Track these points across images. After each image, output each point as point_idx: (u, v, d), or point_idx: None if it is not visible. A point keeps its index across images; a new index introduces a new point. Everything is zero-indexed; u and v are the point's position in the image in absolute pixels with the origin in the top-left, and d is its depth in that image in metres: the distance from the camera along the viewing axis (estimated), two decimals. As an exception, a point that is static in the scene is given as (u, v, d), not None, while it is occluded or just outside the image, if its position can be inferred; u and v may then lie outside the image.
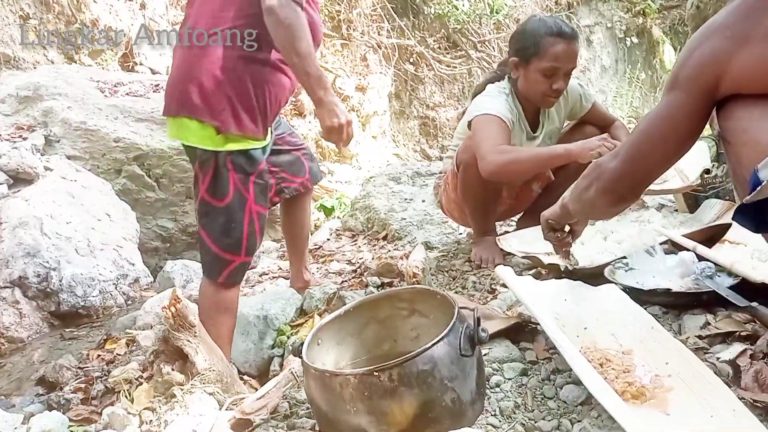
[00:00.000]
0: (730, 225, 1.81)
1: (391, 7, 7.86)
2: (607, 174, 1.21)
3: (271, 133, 1.93)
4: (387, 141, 8.53)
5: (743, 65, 1.01)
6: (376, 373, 0.90)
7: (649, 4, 13.50)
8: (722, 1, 2.65)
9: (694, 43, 1.11)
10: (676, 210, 2.35)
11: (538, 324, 1.31)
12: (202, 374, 1.38)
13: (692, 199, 2.27)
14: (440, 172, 2.61)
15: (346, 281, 2.56)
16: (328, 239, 3.40)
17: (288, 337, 2.09)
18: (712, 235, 1.84)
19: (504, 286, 2.00)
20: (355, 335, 1.16)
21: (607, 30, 11.28)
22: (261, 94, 1.78)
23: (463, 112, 2.45)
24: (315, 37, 1.75)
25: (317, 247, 3.25)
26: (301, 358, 1.01)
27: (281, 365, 2.05)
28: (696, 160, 2.24)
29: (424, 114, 9.05)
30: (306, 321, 2.13)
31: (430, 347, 0.92)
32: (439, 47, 8.84)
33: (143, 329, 2.50)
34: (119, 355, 2.43)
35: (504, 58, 2.36)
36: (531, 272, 2.00)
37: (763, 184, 0.91)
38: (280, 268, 2.98)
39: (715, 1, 2.63)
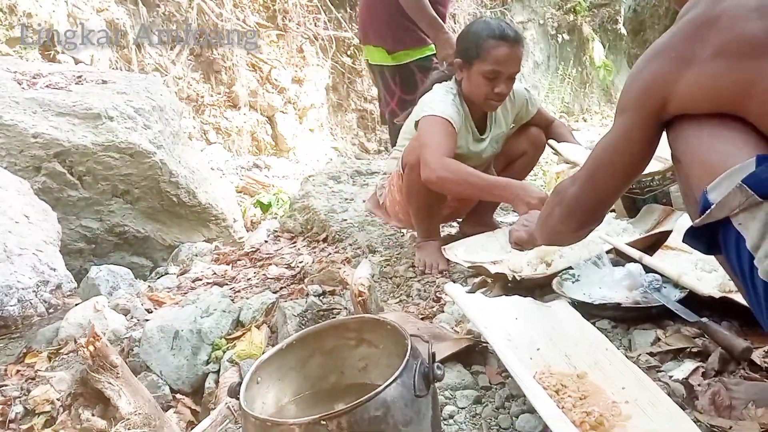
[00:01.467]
0: (671, 231, 1.82)
1: (328, -1, 7.71)
2: (567, 200, 1.22)
3: None
4: (325, 134, 8.40)
5: (689, 86, 1.00)
6: (324, 422, 0.81)
7: (579, 2, 13.85)
8: (657, 6, 2.69)
9: (640, 66, 1.10)
10: (616, 215, 2.35)
11: (489, 344, 1.26)
12: (127, 419, 1.25)
13: (630, 203, 2.28)
14: (384, 173, 2.53)
15: (285, 287, 2.45)
16: (266, 241, 3.27)
17: (223, 352, 1.98)
18: (654, 242, 1.85)
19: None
20: (298, 369, 1.07)
21: (539, 26, 11.49)
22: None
23: (409, 113, 2.38)
24: None
25: (254, 249, 3.12)
26: (238, 400, 0.91)
27: (216, 382, 1.94)
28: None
29: (362, 107, 8.96)
30: (243, 334, 2.01)
31: (382, 390, 0.84)
32: (377, 39, 8.74)
33: (66, 342, 2.33)
34: (40, 371, 2.26)
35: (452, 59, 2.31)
36: (477, 279, 1.96)
37: (712, 207, 0.90)
38: (215, 273, 2.84)
39: (651, 5, 2.65)
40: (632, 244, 1.75)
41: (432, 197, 2.18)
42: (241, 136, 7.05)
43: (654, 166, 2.17)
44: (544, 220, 1.34)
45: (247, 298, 2.27)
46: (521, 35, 2.17)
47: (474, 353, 1.36)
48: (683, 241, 1.00)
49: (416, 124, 2.15)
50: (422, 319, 1.81)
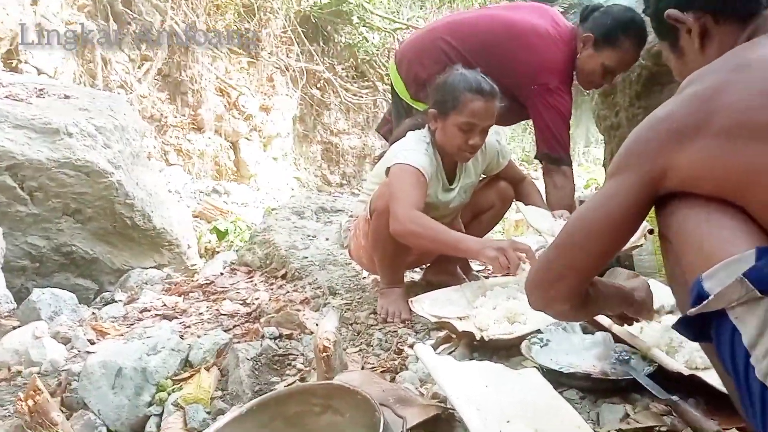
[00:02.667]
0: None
1: (302, 31, 7.74)
2: (544, 267, 1.11)
3: None
4: (288, 164, 8.34)
5: (690, 161, 0.96)
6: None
7: (546, 54, 14.22)
8: (630, 72, 2.74)
9: (639, 131, 1.05)
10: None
11: (457, 413, 1.20)
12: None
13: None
14: (350, 215, 2.48)
15: (238, 326, 2.35)
16: (222, 273, 3.16)
17: (168, 394, 1.86)
18: (620, 307, 1.84)
19: (411, 347, 1.90)
20: (257, 436, 0.99)
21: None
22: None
23: (380, 156, 2.36)
24: None
25: (209, 282, 3.01)
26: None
27: (158, 426, 1.81)
28: None
29: (328, 139, 8.95)
30: (191, 376, 1.90)
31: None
32: (347, 75, 8.81)
33: (-1, 368, 2.17)
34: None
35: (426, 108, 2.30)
36: (441, 333, 1.91)
37: (710, 298, 0.86)
38: (165, 305, 2.71)
39: (627, 74, 2.71)
40: (599, 309, 1.73)
41: (398, 245, 2.13)
42: (202, 160, 6.92)
43: None
44: (543, 294, 1.19)
45: (198, 336, 2.16)
46: (496, 89, 2.18)
47: (441, 421, 1.30)
48: (673, 328, 0.95)
49: (387, 170, 2.12)
50: (383, 372, 1.75)
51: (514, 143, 13.32)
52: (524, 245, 1.81)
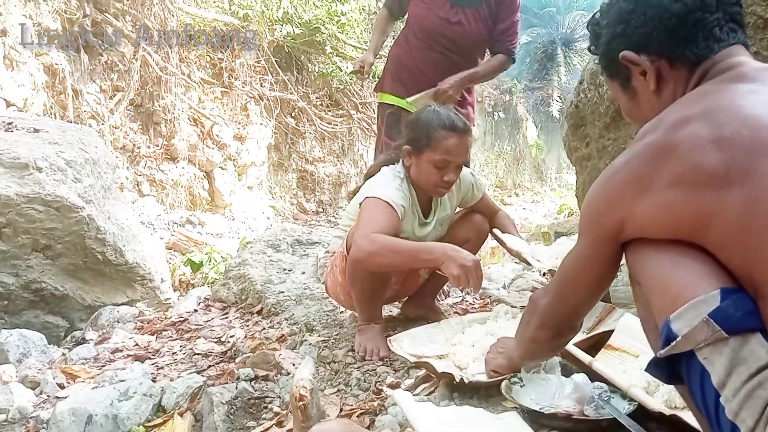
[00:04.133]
0: (612, 330, 1.82)
1: (275, 61, 7.76)
2: (540, 310, 1.26)
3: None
4: (264, 192, 8.30)
5: (645, 212, 1.00)
6: None
7: (515, 84, 14.54)
8: (599, 104, 2.80)
9: (596, 188, 1.11)
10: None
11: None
12: None
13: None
14: (327, 251, 2.46)
15: (213, 366, 2.30)
16: (196, 310, 3.10)
17: (141, 441, 1.81)
18: (595, 342, 1.84)
19: (390, 387, 1.87)
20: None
21: (477, 103, 11.98)
22: None
23: (355, 191, 2.35)
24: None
25: (182, 319, 2.95)
26: None
27: (130, 476, 1.76)
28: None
29: (303, 168, 8.95)
30: (164, 422, 1.85)
31: None
32: (321, 104, 8.86)
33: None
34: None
35: (398, 142, 2.31)
36: (420, 373, 1.89)
37: (678, 339, 0.89)
38: (137, 344, 2.65)
39: (593, 102, 2.76)
40: (577, 345, 1.73)
41: (376, 281, 2.12)
42: (176, 190, 6.86)
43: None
44: (521, 333, 1.37)
45: (172, 379, 2.11)
46: (470, 125, 2.21)
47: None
48: (646, 370, 0.97)
49: (361, 205, 2.11)
50: (362, 414, 1.72)
51: (487, 169, 13.47)
52: (480, 274, 1.83)
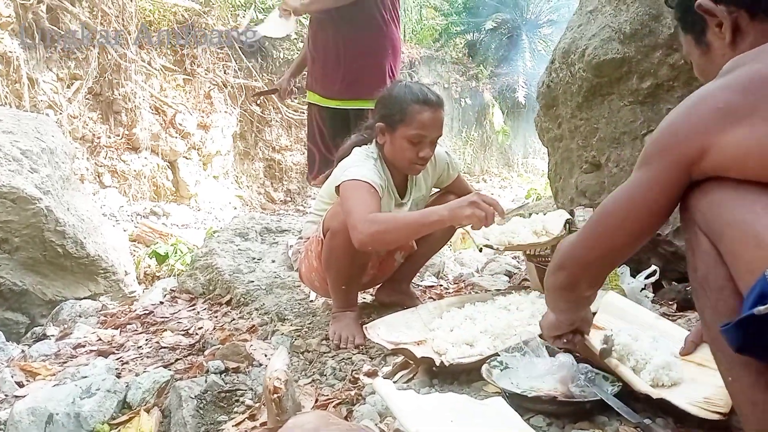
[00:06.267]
0: (595, 312, 1.79)
1: (239, 47, 7.58)
2: (563, 249, 1.13)
3: None
4: (230, 182, 8.13)
5: (737, 144, 0.90)
6: None
7: (481, 70, 14.56)
8: (571, 83, 2.76)
9: (676, 113, 1.00)
10: (531, 289, 2.29)
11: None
12: None
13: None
14: (300, 237, 2.39)
15: (181, 359, 2.21)
16: (162, 302, 2.99)
17: (106, 440, 1.72)
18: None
19: (367, 375, 1.81)
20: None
21: (444, 90, 11.93)
22: None
23: (327, 176, 2.28)
24: None
25: (147, 312, 2.84)
26: None
27: (94, 476, 1.67)
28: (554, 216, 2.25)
29: (270, 156, 8.79)
30: (130, 419, 1.76)
31: None
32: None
33: None
34: None
35: (370, 122, 2.24)
36: (397, 360, 1.83)
37: None
38: (100, 339, 2.54)
39: (565, 82, 2.73)
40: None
41: (353, 265, 2.06)
42: (139, 181, 6.65)
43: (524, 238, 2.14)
44: (547, 284, 1.24)
45: (137, 374, 2.02)
46: (443, 99, 2.15)
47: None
48: (720, 330, 0.84)
49: (337, 188, 2.04)
50: (338, 404, 1.66)
51: (455, 155, 13.48)
52: (491, 198, 1.75)
